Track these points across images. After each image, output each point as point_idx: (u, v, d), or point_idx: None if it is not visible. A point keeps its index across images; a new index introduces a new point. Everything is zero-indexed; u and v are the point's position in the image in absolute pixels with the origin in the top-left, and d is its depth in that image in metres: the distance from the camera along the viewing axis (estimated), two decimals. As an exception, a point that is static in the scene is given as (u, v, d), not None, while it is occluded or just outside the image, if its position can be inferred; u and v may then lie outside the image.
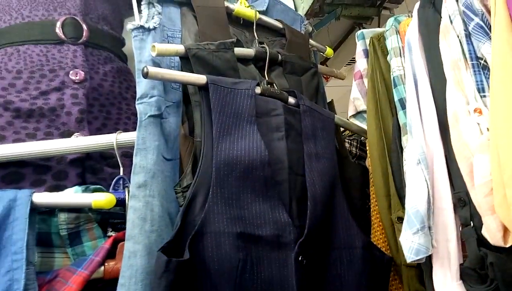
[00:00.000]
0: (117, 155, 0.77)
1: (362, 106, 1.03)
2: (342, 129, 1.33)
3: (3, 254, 0.59)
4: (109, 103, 0.95)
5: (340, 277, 0.77)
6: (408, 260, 0.64)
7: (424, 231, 0.63)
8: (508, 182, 0.51)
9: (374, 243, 0.90)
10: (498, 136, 0.55)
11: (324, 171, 0.84)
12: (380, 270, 0.82)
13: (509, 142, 0.53)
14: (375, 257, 0.82)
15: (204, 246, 0.64)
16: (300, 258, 0.69)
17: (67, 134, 0.84)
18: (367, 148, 0.95)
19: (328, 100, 1.11)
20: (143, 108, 0.73)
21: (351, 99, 1.05)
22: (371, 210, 0.95)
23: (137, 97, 0.74)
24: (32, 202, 0.64)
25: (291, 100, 0.89)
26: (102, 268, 0.66)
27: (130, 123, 0.96)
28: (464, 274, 0.65)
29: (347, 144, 1.45)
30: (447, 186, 0.68)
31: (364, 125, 1.03)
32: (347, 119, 1.06)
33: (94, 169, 0.84)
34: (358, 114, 1.05)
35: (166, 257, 0.58)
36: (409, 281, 0.82)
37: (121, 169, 0.77)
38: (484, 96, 0.65)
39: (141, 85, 0.74)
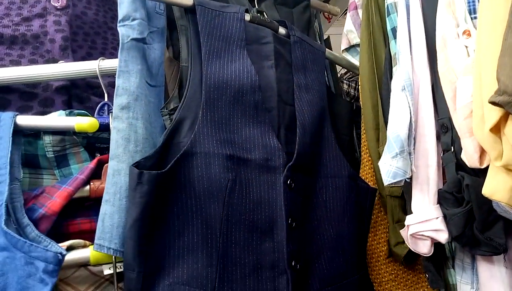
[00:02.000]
0: (101, 81, 0.76)
1: (355, 39, 1.00)
2: (344, 71, 1.30)
3: (-13, 171, 0.61)
4: (94, 32, 0.93)
5: (326, 203, 0.79)
6: (385, 183, 0.65)
7: (403, 155, 0.63)
8: (486, 102, 0.50)
9: (363, 177, 0.91)
10: (482, 56, 0.53)
11: (313, 102, 0.83)
12: (364, 199, 0.84)
13: (492, 62, 0.51)
14: (360, 187, 0.84)
15: (193, 165, 0.64)
16: (288, 181, 0.71)
17: (52, 62, 0.83)
18: (359, 81, 0.94)
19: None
20: (125, 30, 0.71)
21: (344, 32, 1.02)
22: (362, 145, 0.95)
23: (118, 19, 0.72)
24: (15, 123, 0.65)
25: (282, 30, 0.87)
26: (88, 187, 0.67)
27: (116, 54, 0.92)
28: (442, 198, 0.66)
29: (345, 86, 1.43)
30: (431, 112, 0.68)
31: (356, 61, 1.00)
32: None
33: (81, 97, 0.84)
34: (351, 48, 1.02)
35: (137, 170, 0.60)
36: (393, 210, 0.84)
37: (106, 96, 0.77)
38: (475, 17, 0.62)
39: (123, 7, 0.72)
